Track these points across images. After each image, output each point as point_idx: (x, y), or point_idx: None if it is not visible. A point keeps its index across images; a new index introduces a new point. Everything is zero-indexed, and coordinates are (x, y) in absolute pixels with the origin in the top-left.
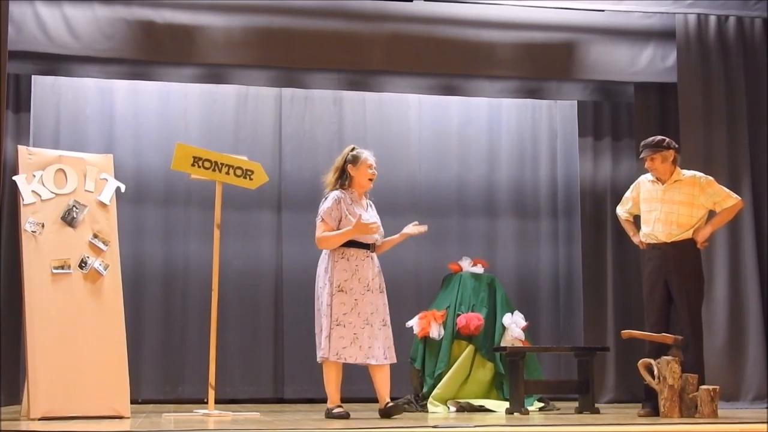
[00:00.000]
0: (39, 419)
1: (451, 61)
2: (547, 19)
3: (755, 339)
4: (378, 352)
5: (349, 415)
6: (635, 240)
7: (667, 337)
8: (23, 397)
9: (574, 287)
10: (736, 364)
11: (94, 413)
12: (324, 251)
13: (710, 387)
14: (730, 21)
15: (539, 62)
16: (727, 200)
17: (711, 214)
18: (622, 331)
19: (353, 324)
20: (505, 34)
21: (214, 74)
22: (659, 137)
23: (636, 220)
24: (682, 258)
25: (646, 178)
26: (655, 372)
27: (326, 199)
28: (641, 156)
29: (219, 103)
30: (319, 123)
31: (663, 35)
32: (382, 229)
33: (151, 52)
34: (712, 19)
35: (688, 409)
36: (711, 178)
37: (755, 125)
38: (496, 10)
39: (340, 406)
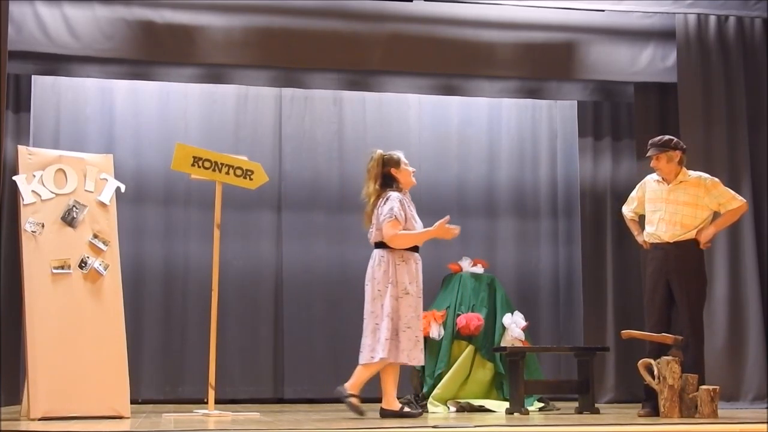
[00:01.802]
0: (39, 419)
1: (451, 61)
2: (547, 19)
3: (755, 339)
4: None
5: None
6: (639, 239)
7: (667, 338)
8: (23, 397)
9: (574, 287)
10: (736, 364)
11: (94, 413)
12: (376, 253)
13: (710, 387)
14: (730, 21)
15: (539, 62)
16: (732, 202)
17: (716, 215)
18: (622, 331)
19: (416, 327)
20: (505, 34)
21: (214, 74)
22: (667, 137)
23: (641, 220)
24: (684, 258)
25: (651, 178)
26: (655, 372)
27: (388, 199)
28: (647, 155)
29: (219, 103)
30: (319, 123)
31: (663, 35)
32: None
33: (151, 52)
34: (712, 19)
35: (688, 409)
36: (716, 179)
37: (755, 125)
38: (496, 10)
39: (407, 404)
